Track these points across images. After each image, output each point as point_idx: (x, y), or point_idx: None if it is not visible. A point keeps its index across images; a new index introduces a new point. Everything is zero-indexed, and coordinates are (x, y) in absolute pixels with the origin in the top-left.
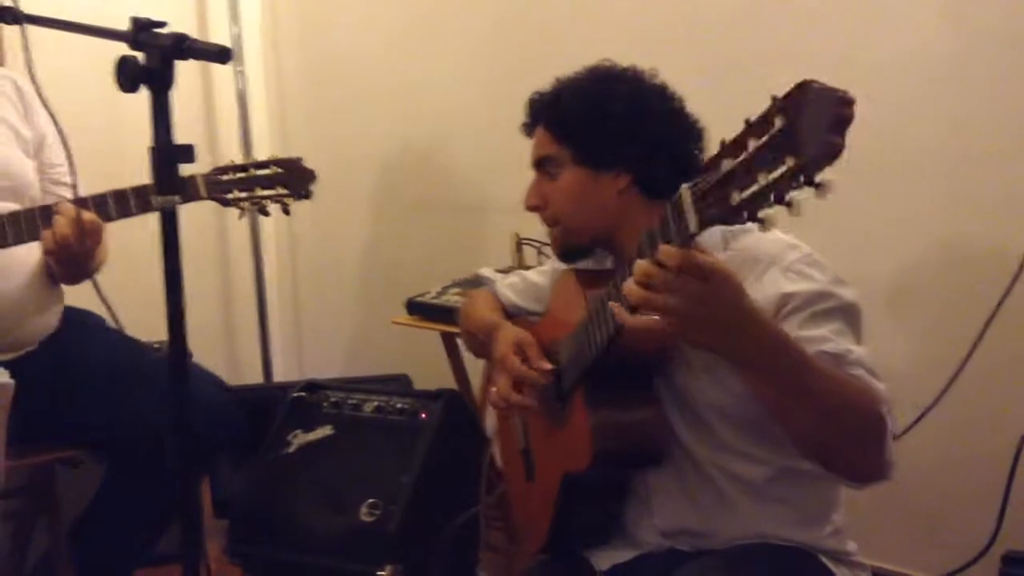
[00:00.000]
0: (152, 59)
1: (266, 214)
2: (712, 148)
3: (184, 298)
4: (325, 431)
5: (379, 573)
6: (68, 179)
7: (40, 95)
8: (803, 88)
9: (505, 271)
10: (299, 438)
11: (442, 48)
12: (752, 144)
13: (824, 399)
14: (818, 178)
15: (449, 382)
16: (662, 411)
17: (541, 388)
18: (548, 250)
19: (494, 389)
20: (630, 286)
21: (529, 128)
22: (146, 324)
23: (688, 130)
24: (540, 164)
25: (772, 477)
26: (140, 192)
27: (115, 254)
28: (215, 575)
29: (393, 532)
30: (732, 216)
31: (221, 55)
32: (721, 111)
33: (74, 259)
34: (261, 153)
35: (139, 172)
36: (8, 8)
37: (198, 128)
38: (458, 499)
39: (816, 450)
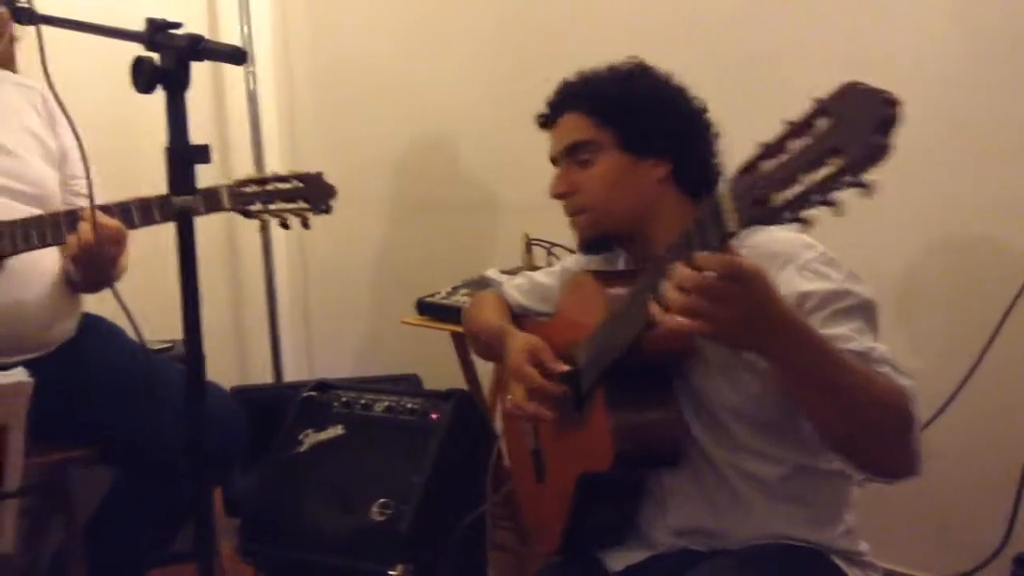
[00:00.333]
0: (168, 60)
1: (286, 227)
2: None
3: (200, 299)
4: (336, 431)
5: (390, 573)
6: (86, 191)
7: (59, 102)
8: (848, 89)
9: (513, 272)
10: (310, 437)
11: (450, 48)
12: (793, 145)
13: (854, 394)
14: (863, 178)
15: (458, 382)
16: (681, 412)
17: (557, 396)
18: (558, 251)
19: (510, 397)
20: (665, 289)
21: (553, 115)
22: (160, 324)
23: (711, 130)
24: (572, 150)
25: (786, 476)
26: (164, 201)
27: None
28: (228, 574)
29: (404, 532)
30: (773, 217)
31: (236, 56)
32: (727, 111)
33: (97, 265)
34: (271, 154)
35: (150, 172)
36: (24, 8)
37: (209, 128)
38: (468, 499)
39: (845, 445)
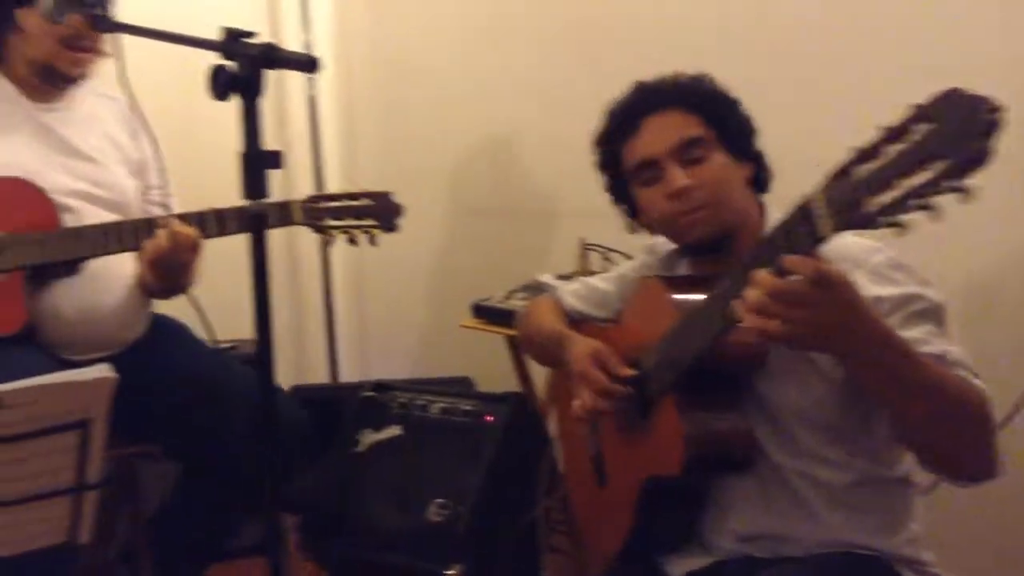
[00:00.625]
0: (243, 68)
1: (354, 243)
2: None
3: (270, 301)
4: (393, 431)
5: (447, 572)
6: (166, 200)
7: (140, 115)
8: (950, 95)
9: (567, 277)
10: (368, 437)
11: (508, 55)
12: (890, 150)
13: (934, 397)
14: (964, 183)
15: (511, 385)
16: (749, 417)
17: (625, 398)
18: (614, 256)
19: (577, 402)
20: (751, 295)
21: (647, 113)
22: (221, 325)
23: None
24: (686, 147)
25: (853, 483)
26: (239, 213)
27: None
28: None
29: (461, 532)
30: (867, 222)
31: (308, 65)
32: (785, 115)
33: (171, 272)
34: (330, 159)
35: (213, 178)
36: (102, 17)
37: (268, 132)
38: (523, 501)
39: (927, 447)
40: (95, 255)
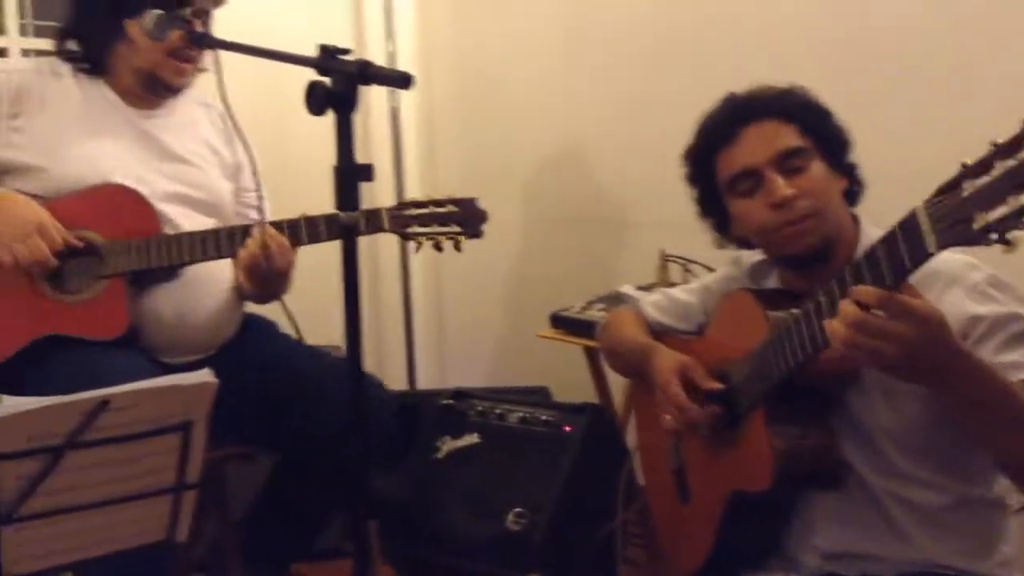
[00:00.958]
0: (339, 84)
1: (439, 249)
2: None
3: (360, 307)
4: (472, 439)
5: None
6: (256, 203)
7: (234, 123)
8: None
9: (647, 288)
10: (447, 444)
11: (588, 65)
12: (1000, 166)
13: None
14: None
15: (587, 395)
16: (839, 434)
17: (709, 414)
18: (694, 267)
19: (667, 419)
20: (838, 327)
21: (743, 124)
22: (314, 330)
23: None
24: (787, 156)
25: (946, 505)
26: (330, 220)
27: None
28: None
29: (539, 541)
30: (976, 237)
31: (403, 81)
32: (869, 127)
33: (265, 278)
34: (411, 169)
35: (301, 188)
36: (203, 34)
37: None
38: (600, 513)
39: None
40: (193, 261)
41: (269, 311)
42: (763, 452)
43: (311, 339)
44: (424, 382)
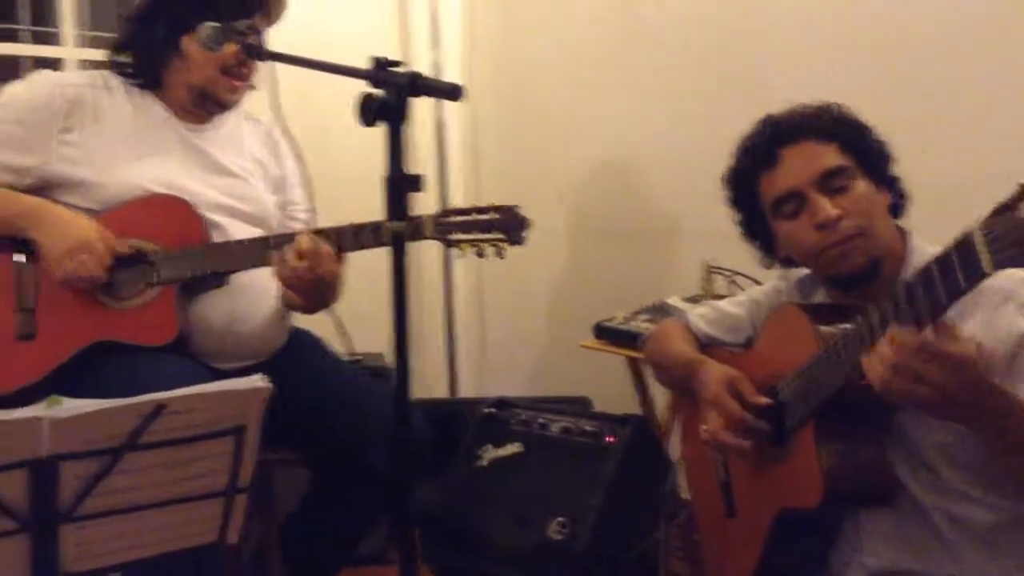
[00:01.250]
0: (390, 95)
1: (481, 256)
2: None
3: (407, 319)
4: (514, 448)
5: None
6: (303, 215)
7: (290, 136)
8: None
9: (692, 300)
10: (490, 453)
11: (633, 77)
12: None
13: None
14: None
15: (627, 406)
16: (889, 451)
17: (758, 428)
18: (739, 279)
19: (705, 427)
20: (874, 365)
21: (782, 145)
22: (359, 337)
23: None
24: (829, 176)
25: (999, 524)
26: (375, 227)
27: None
28: None
29: (581, 552)
30: None
31: (453, 93)
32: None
33: (308, 288)
34: (455, 180)
35: (349, 196)
36: (257, 46)
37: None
38: (642, 525)
39: None
40: (241, 269)
41: (318, 322)
42: (813, 469)
43: (357, 346)
44: (465, 390)
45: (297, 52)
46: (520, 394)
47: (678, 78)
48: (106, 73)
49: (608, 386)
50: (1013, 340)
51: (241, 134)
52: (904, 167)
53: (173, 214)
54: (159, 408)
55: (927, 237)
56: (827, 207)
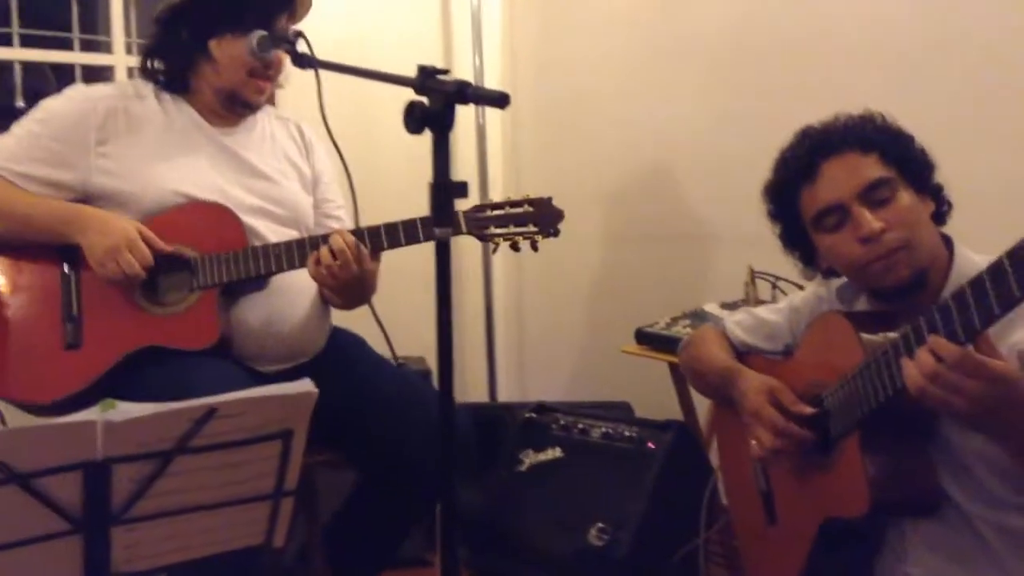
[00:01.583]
0: (436, 103)
1: (517, 249)
2: None
3: (452, 319)
4: (555, 453)
5: None
6: (337, 213)
7: (332, 138)
8: None
9: (731, 306)
10: (530, 457)
11: (672, 83)
12: None
13: None
14: None
15: (668, 411)
16: (934, 460)
17: (803, 437)
18: (783, 285)
19: (754, 442)
20: (912, 374)
21: (822, 159)
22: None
23: None
24: (872, 188)
25: None
26: (408, 225)
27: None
28: None
29: (621, 558)
30: None
31: (500, 100)
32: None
33: (340, 285)
34: (495, 184)
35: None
36: (304, 55)
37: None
38: (683, 531)
39: None
40: (280, 271)
41: (360, 324)
42: (859, 478)
43: (398, 350)
44: (504, 394)
45: (343, 59)
46: (559, 398)
47: (718, 81)
48: (137, 82)
49: (649, 391)
50: None
51: (273, 134)
52: (946, 173)
53: (214, 220)
54: (210, 412)
55: (973, 243)
56: (871, 221)
